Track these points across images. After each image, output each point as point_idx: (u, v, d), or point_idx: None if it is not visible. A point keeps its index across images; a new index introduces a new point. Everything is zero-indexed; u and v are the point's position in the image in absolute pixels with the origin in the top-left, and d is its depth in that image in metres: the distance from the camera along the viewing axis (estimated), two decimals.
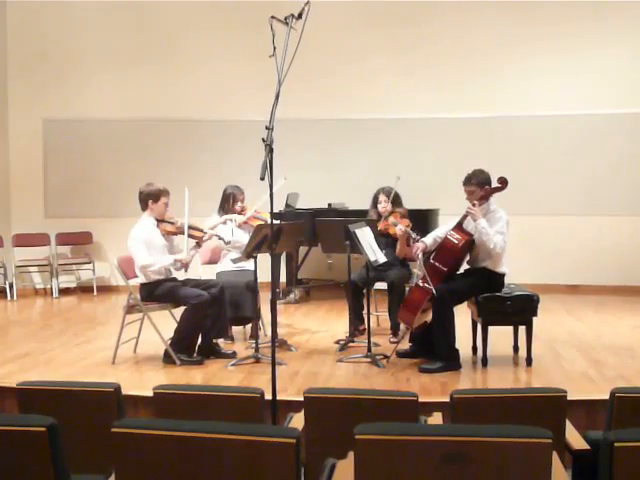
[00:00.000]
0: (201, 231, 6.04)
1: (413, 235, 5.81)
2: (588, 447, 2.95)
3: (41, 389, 3.23)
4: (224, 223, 6.57)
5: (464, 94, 9.38)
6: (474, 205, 5.47)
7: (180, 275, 6.05)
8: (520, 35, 9.33)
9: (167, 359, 5.71)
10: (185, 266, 5.85)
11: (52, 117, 9.81)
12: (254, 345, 5.80)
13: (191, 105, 9.72)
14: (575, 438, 3.04)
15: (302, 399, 3.11)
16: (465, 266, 5.74)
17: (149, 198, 5.89)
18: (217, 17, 9.70)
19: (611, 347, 6.18)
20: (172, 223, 5.96)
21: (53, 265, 9.77)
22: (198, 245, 6.00)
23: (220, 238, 6.13)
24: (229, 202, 6.67)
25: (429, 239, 5.76)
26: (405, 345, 5.93)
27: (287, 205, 8.48)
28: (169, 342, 5.73)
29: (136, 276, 5.89)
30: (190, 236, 5.90)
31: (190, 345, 5.74)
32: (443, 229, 5.77)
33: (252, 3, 9.28)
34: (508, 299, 5.50)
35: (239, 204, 6.67)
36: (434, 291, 5.35)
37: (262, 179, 3.72)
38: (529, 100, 9.35)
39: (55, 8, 9.75)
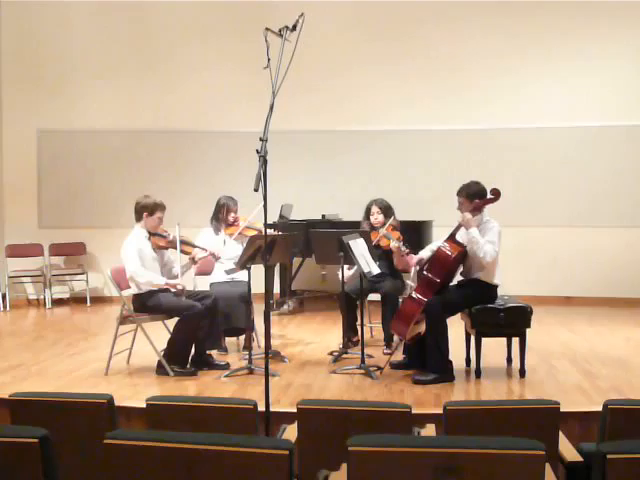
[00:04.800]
0: (193, 246, 6.04)
1: (403, 248, 5.83)
2: (581, 459, 2.95)
3: (33, 400, 3.21)
4: (223, 243, 6.59)
5: (459, 106, 9.41)
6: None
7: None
8: (514, 46, 9.37)
9: (160, 370, 5.69)
10: (180, 293, 5.82)
11: (46, 127, 9.82)
12: (247, 356, 5.79)
13: (185, 116, 9.74)
14: (568, 450, 3.04)
15: (295, 411, 3.11)
16: (458, 277, 5.75)
17: (144, 210, 5.88)
18: (210, 29, 9.73)
19: (604, 359, 6.18)
20: (164, 237, 5.95)
21: (46, 276, 9.74)
22: (193, 261, 6.01)
23: (214, 256, 6.16)
24: (222, 212, 6.67)
25: (426, 252, 5.78)
26: (399, 357, 5.93)
27: (281, 216, 8.47)
28: (162, 353, 5.72)
29: (129, 287, 5.88)
30: (182, 251, 5.91)
31: (183, 356, 5.73)
32: (438, 243, 5.77)
33: (245, 14, 9.35)
34: (502, 310, 5.50)
35: (232, 215, 6.67)
36: (427, 302, 5.37)
37: (256, 190, 3.74)
38: (523, 112, 9.38)
39: (50, 19, 9.78)
